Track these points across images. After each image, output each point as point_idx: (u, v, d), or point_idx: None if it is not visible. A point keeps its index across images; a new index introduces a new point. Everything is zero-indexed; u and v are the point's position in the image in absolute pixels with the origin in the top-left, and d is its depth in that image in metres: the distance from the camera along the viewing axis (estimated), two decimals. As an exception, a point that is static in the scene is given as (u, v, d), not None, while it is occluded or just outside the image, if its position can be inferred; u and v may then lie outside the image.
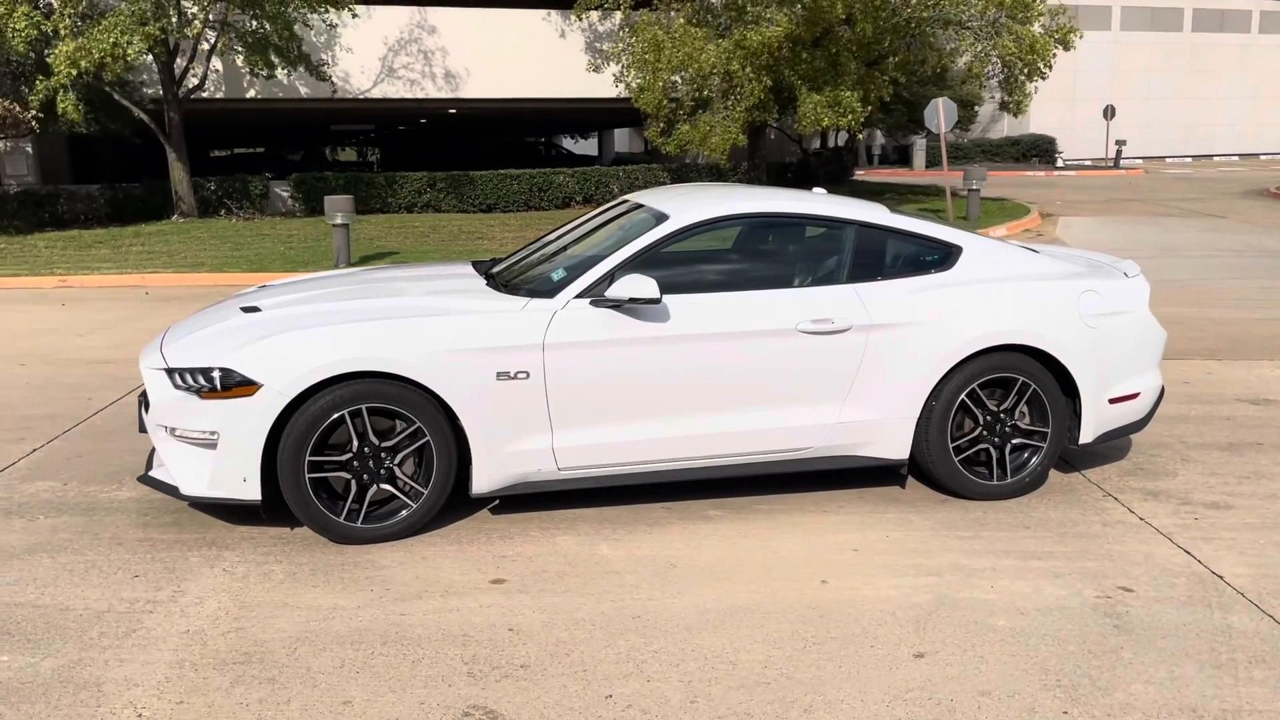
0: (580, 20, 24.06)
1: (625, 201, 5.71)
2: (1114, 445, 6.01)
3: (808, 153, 30.05)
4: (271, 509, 4.55)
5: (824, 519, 4.90)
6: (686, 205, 5.06)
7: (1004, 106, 23.85)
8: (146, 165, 28.50)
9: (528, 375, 4.57)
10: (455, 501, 4.90)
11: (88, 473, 5.56)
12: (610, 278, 4.72)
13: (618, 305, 4.66)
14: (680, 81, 20.23)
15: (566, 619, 3.88)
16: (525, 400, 4.59)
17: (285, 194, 22.86)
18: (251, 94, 23.03)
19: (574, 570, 4.31)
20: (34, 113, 18.37)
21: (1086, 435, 5.22)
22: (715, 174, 25.76)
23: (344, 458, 4.49)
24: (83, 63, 17.20)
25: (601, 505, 5.03)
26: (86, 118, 19.02)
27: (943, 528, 4.79)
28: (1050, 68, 22.01)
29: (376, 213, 22.86)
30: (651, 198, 5.52)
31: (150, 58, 19.68)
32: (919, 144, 43.57)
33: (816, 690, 3.41)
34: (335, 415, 4.41)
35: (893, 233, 5.16)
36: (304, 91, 23.33)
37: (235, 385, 4.38)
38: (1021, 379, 5.06)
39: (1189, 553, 4.52)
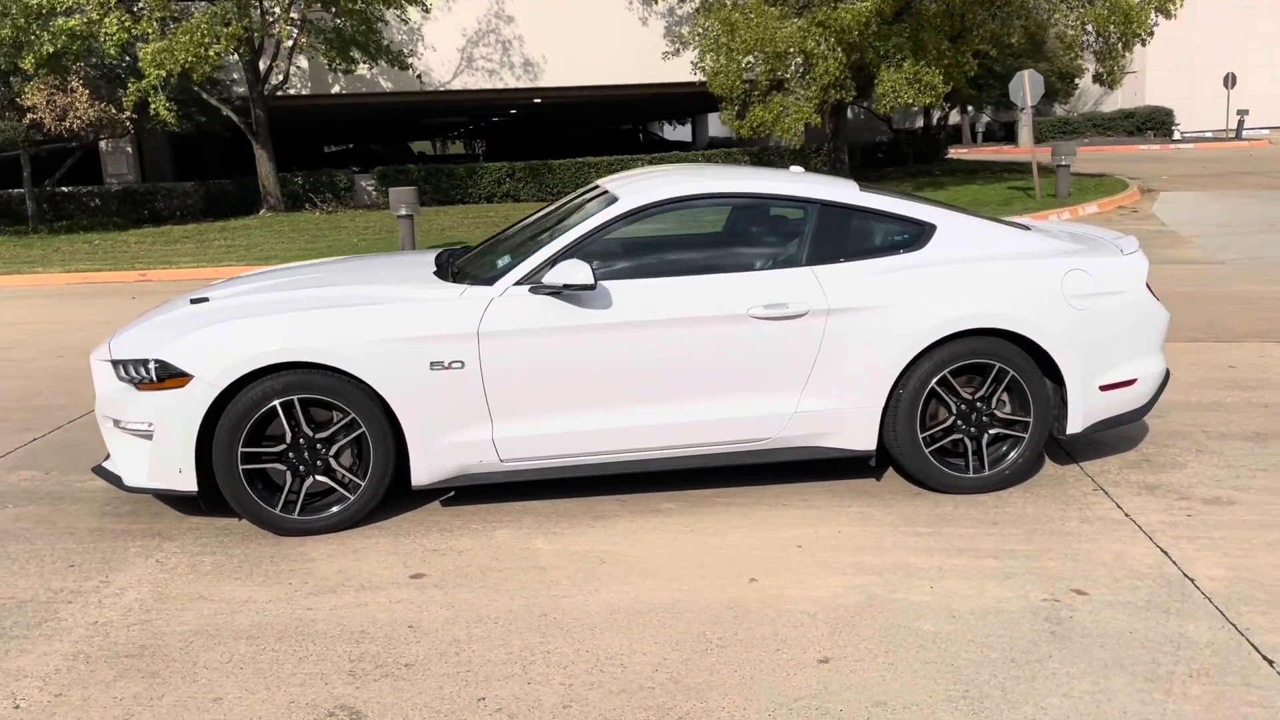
0: (658, 3, 23.89)
1: (595, 186, 5.56)
2: (1124, 435, 5.61)
3: (897, 132, 29.25)
4: (212, 500, 4.55)
5: (780, 513, 4.68)
6: (638, 188, 4.88)
7: (1098, 78, 22.78)
8: (239, 162, 29.44)
9: (463, 365, 4.47)
10: (411, 494, 4.84)
11: (72, 463, 5.69)
12: (551, 264, 4.58)
13: (556, 292, 4.52)
14: (754, 62, 19.88)
15: (471, 616, 3.77)
16: (462, 390, 4.49)
17: (370, 187, 23.31)
18: (336, 89, 23.53)
19: (500, 566, 4.20)
20: (128, 114, 19.10)
21: (1075, 425, 4.86)
22: (797, 156, 25.30)
23: (278, 449, 4.47)
24: (168, 65, 17.81)
25: (556, 498, 4.90)
26: (178, 117, 19.72)
27: (903, 523, 4.52)
28: (1150, 34, 20.92)
29: (456, 203, 23.15)
30: (615, 180, 5.35)
31: (235, 57, 20.26)
32: (1024, 119, 42.01)
33: (700, 697, 3.22)
34: (267, 406, 4.39)
35: (858, 212, 4.88)
36: (386, 85, 23.73)
37: (169, 377, 4.39)
38: (998, 365, 4.73)
39: (1166, 553, 4.16)
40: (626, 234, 4.83)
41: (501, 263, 4.81)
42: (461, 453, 4.55)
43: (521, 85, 24.51)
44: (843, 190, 4.93)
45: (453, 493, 5.00)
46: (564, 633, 3.63)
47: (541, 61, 24.26)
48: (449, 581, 4.06)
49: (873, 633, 3.58)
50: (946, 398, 4.77)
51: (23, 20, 17.49)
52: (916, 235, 4.88)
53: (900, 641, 3.52)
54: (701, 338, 4.59)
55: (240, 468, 4.42)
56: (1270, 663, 3.34)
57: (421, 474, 4.55)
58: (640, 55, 23.92)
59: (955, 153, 36.45)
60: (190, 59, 17.93)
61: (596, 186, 5.50)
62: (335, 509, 4.54)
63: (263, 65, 20.74)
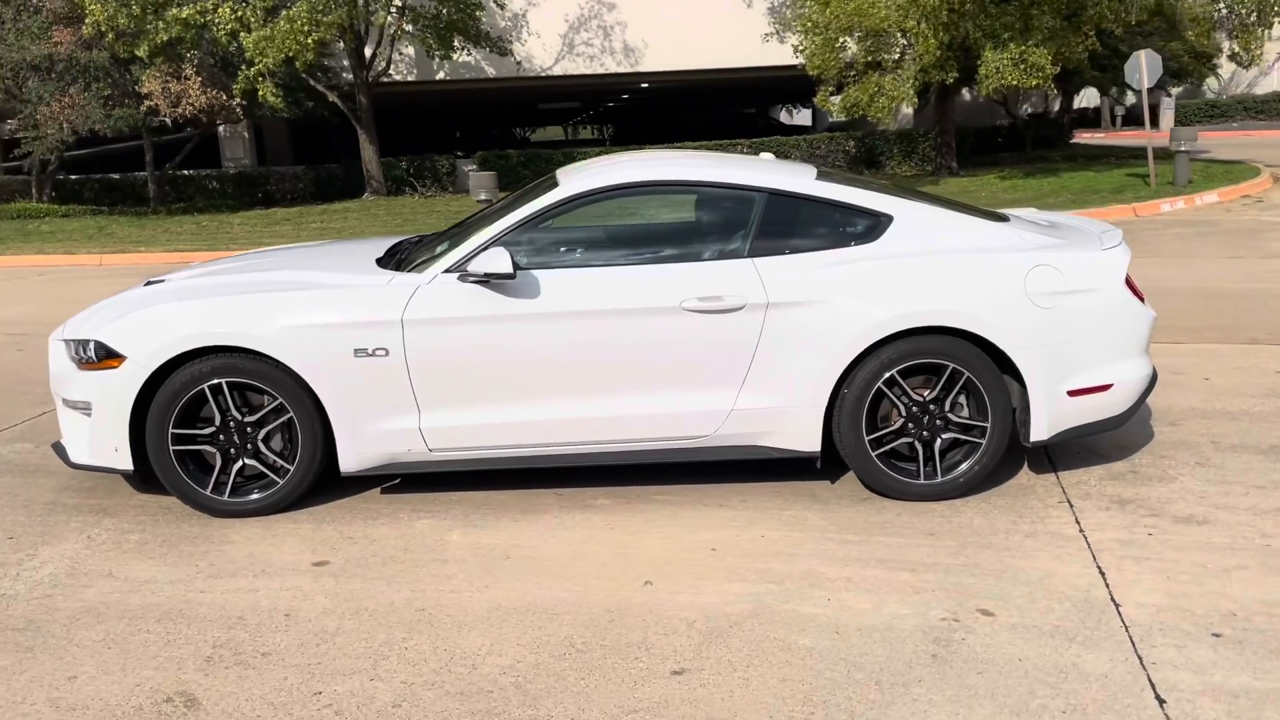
0: (759, -15, 23.49)
1: (550, 174, 5.46)
2: (1120, 442, 5.22)
3: (1015, 116, 28.08)
4: (148, 479, 4.65)
5: (712, 514, 4.51)
6: (581, 176, 4.76)
7: (1234, 58, 21.40)
8: (348, 147, 30.27)
9: (386, 352, 4.44)
10: (362, 479, 4.85)
11: (66, 437, 5.92)
12: (482, 251, 4.50)
13: (484, 281, 4.44)
14: (851, 41, 19.36)
15: (351, 607, 3.75)
16: (386, 378, 4.47)
17: (470, 172, 23.67)
18: (440, 75, 23.96)
19: (404, 557, 4.17)
20: (238, 100, 19.85)
21: (1038, 432, 4.53)
22: (905, 141, 24.58)
23: (208, 431, 4.53)
24: (270, 53, 18.42)
25: (494, 489, 4.84)
26: (286, 103, 20.41)
27: (835, 530, 4.30)
28: (1288, 10, 19.51)
29: (555, 188, 23.29)
30: (569, 169, 5.23)
31: (341, 45, 20.82)
32: (1166, 102, 39.77)
33: (535, 704, 3.12)
34: (196, 389, 4.46)
35: (808, 201, 4.64)
36: (490, 71, 24.03)
37: (106, 357, 4.50)
38: (952, 366, 4.45)
39: (1104, 574, 3.84)
40: (569, 222, 4.73)
41: (440, 249, 4.76)
42: (389, 441, 4.53)
43: (622, 70, 24.48)
44: (795, 179, 4.70)
45: (398, 479, 5.00)
46: (432, 629, 3.57)
47: (643, 46, 24.17)
48: (347, 570, 4.05)
49: (744, 645, 3.41)
50: (896, 399, 4.51)
51: (139, 10, 18.34)
52: (871, 227, 4.61)
53: (768, 656, 3.34)
54: (632, 330, 4.45)
55: (171, 448, 4.50)
56: (1162, 702, 3.04)
57: (349, 461, 4.55)
58: (742, 38, 23.56)
59: (1086, 137, 34.77)
60: (294, 47, 18.50)
61: (551, 175, 5.40)
62: (265, 493, 4.58)
63: (368, 52, 21.25)
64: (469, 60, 23.54)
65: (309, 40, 18.34)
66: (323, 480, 4.72)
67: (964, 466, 4.54)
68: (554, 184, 4.84)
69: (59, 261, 15.38)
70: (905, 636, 3.43)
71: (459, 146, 28.31)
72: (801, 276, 4.47)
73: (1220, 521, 4.26)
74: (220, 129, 24.66)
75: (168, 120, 19.68)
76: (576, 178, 4.71)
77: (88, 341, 4.56)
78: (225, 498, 4.57)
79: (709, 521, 4.42)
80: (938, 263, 4.49)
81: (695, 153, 5.44)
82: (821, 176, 4.80)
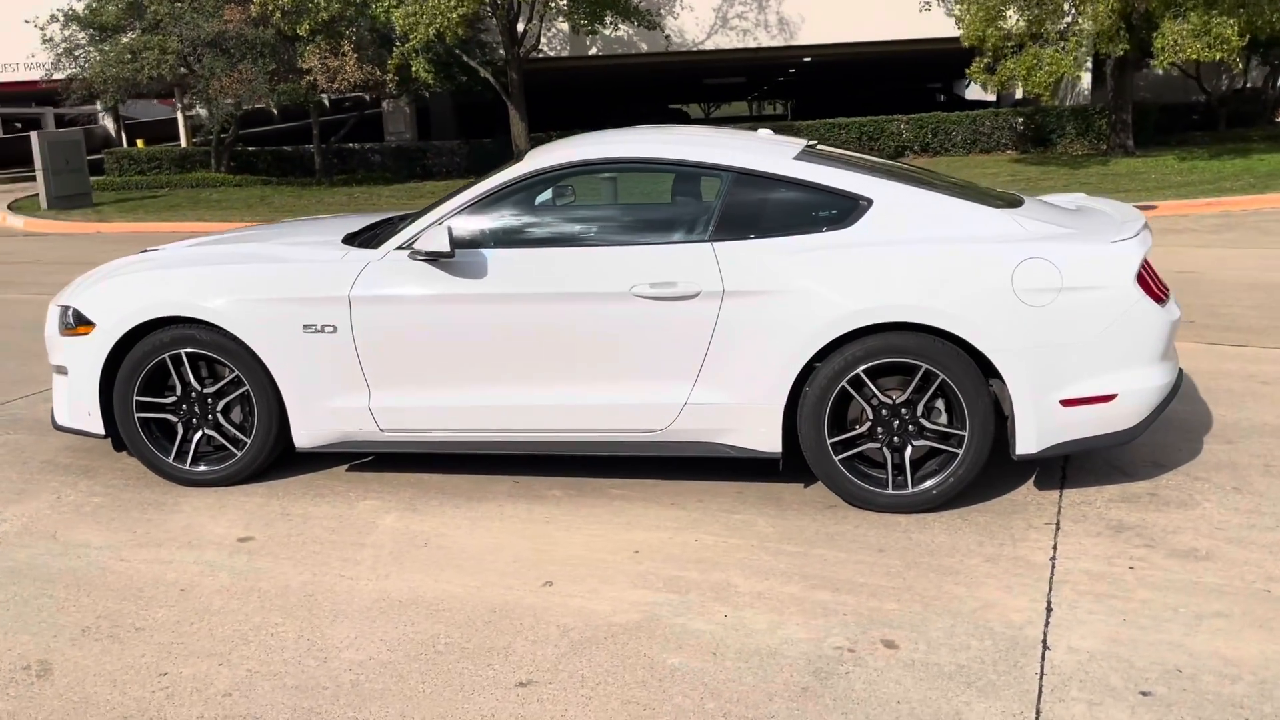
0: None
1: (522, 152, 5.25)
2: (1151, 458, 4.63)
3: (1209, 92, 25.85)
4: (122, 444, 4.75)
5: (658, 512, 4.25)
6: (544, 154, 4.54)
7: None
8: (505, 122, 30.70)
9: (335, 329, 4.38)
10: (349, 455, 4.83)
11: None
12: (431, 227, 4.36)
13: (433, 259, 4.31)
14: (1013, 11, 18.20)
15: (245, 587, 3.71)
16: (335, 355, 4.40)
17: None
18: (593, 51, 24.00)
19: (329, 538, 4.10)
20: (391, 75, 20.45)
21: (1026, 444, 4.05)
22: (1078, 118, 23.04)
23: (170, 400, 4.59)
24: (419, 29, 18.84)
25: (455, 473, 4.72)
26: (438, 78, 20.89)
27: (778, 539, 3.97)
28: None
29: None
30: (542, 147, 5.00)
31: (494, 20, 21.13)
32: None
33: (360, 706, 2.98)
34: (158, 359, 4.52)
35: (779, 182, 4.28)
36: (642, 47, 23.91)
37: (79, 324, 4.62)
38: (925, 367, 4.02)
39: (1051, 610, 3.38)
40: (532, 200, 4.53)
41: (402, 226, 4.66)
42: (341, 419, 4.47)
43: (776, 44, 23.87)
44: (768, 158, 4.34)
45: (370, 456, 4.95)
46: (309, 616, 3.48)
47: (798, 20, 23.49)
48: (266, 549, 4.01)
49: (608, 660, 3.16)
50: (863, 401, 4.12)
51: (301, -12, 19.11)
52: (845, 211, 4.22)
53: (626, 674, 3.08)
54: (581, 316, 4.23)
55: (136, 416, 4.59)
56: (1037, 769, 2.63)
57: (303, 437, 4.53)
58: (899, 9, 22.56)
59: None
60: (442, 22, 18.87)
61: (523, 151, 5.20)
62: (224, 464, 4.61)
63: (520, 28, 21.48)
64: (621, 35, 23.48)
65: (454, 15, 18.65)
66: (311, 454, 4.71)
67: (938, 478, 4.11)
68: (516, 161, 4.65)
69: (214, 228, 16.25)
70: (784, 665, 3.10)
71: (613, 122, 28.30)
72: (762, 263, 4.13)
73: (1224, 559, 3.70)
74: (384, 104, 25.53)
75: (325, 97, 20.46)
76: (540, 155, 4.51)
77: (68, 308, 4.70)
78: (186, 466, 4.62)
79: (649, 521, 4.17)
80: (912, 252, 4.07)
81: (682, 129, 5.12)
82: (803, 155, 4.42)
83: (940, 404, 4.12)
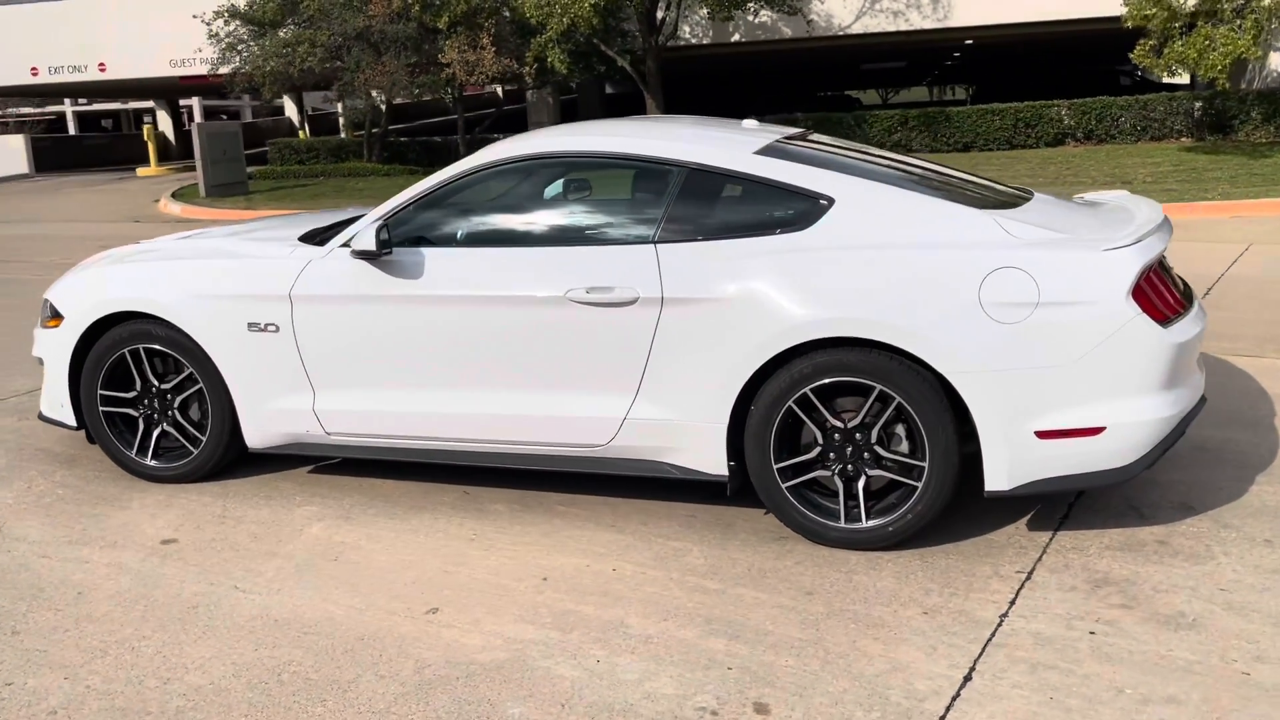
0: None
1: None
2: (1180, 500, 4.00)
3: None
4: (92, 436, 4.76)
5: (591, 534, 3.93)
6: (493, 149, 4.26)
7: None
8: (644, 111, 30.43)
9: (277, 328, 4.24)
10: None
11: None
12: (367, 226, 4.16)
13: (373, 257, 4.11)
14: (1182, -12, 16.72)
15: (138, 594, 3.60)
16: (279, 355, 4.27)
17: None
18: (736, 37, 23.51)
19: (250, 545, 3.96)
20: (529, 67, 20.57)
21: (996, 480, 3.54)
22: (1267, 102, 21.04)
23: (130, 395, 4.57)
24: (552, 21, 18.85)
25: (413, 480, 4.53)
26: (577, 69, 20.88)
27: (704, 573, 3.59)
28: None
29: (845, 153, 22.25)
30: (502, 140, 4.71)
31: (632, 8, 20.95)
32: None
33: (173, 734, 2.81)
34: (118, 353, 4.50)
35: (734, 179, 3.87)
36: (786, 32, 23.25)
37: (52, 316, 4.66)
38: (880, 387, 3.56)
39: (969, 680, 2.90)
40: (482, 196, 4.28)
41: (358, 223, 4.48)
42: (288, 420, 4.35)
43: (928, 26, 22.74)
44: (726, 152, 3.94)
45: (336, 459, 4.82)
46: (180, 630, 3.34)
47: (952, 0, 22.33)
48: (182, 553, 3.91)
49: (446, 704, 2.88)
50: (812, 423, 3.69)
51: (446, -18, 19.42)
52: (804, 212, 3.77)
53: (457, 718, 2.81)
54: (517, 321, 3.95)
55: (100, 409, 4.59)
56: None
57: (253, 438, 4.42)
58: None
59: None
60: (575, 14, 18.81)
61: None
62: (181, 461, 4.56)
63: (660, 15, 21.23)
64: (764, 21, 22.89)
65: (586, 5, 18.56)
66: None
67: (895, 514, 3.63)
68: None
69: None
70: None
71: (760, 109, 27.68)
72: (707, 268, 3.75)
73: (1213, 629, 3.11)
74: (528, 95, 25.76)
75: (450, 91, 20.77)
76: (486, 151, 4.24)
77: (47, 300, 4.75)
78: (147, 462, 4.59)
79: (578, 544, 3.86)
80: (867, 259, 3.60)
81: (650, 120, 4.75)
82: (769, 150, 3.98)
83: (901, 430, 3.64)
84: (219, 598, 3.55)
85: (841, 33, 23.10)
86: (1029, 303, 3.44)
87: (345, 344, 4.17)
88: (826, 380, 3.61)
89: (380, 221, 4.08)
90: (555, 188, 4.28)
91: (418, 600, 3.48)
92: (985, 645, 3.08)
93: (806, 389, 3.63)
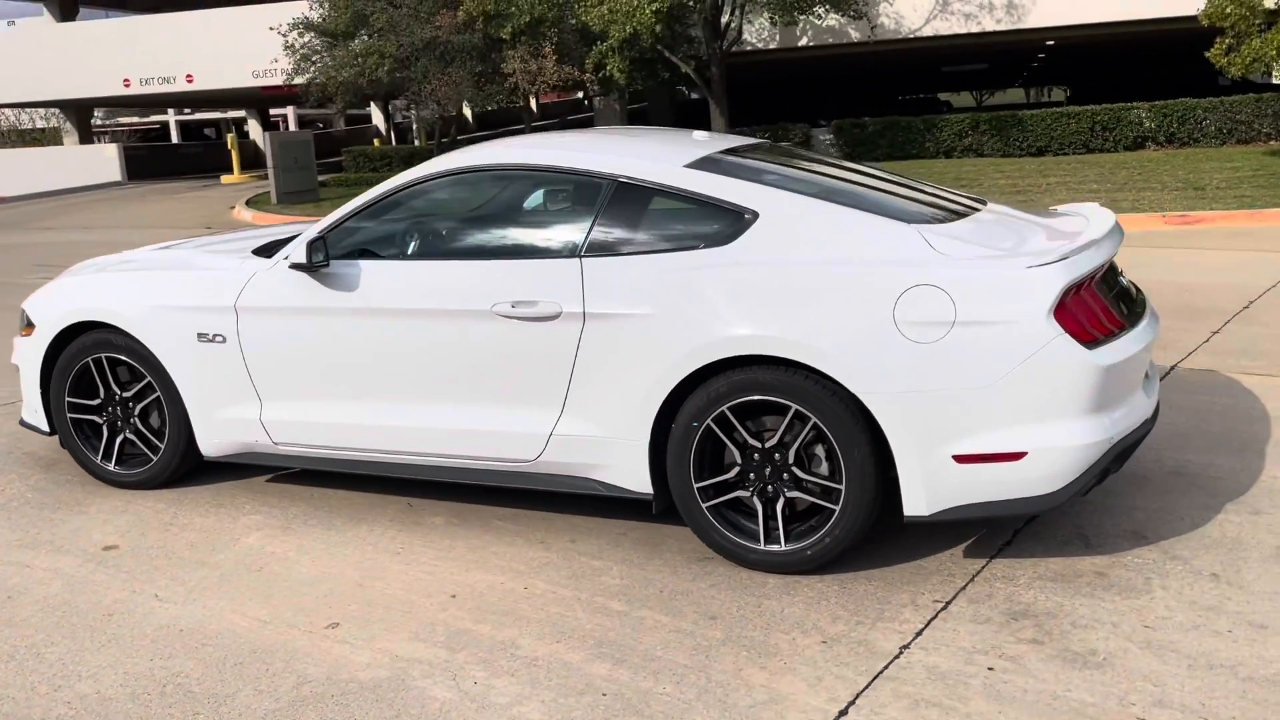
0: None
1: None
2: (1134, 529, 3.80)
3: None
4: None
5: (516, 550, 3.89)
6: (443, 158, 4.26)
7: None
8: (738, 118, 30.13)
9: (224, 339, 4.30)
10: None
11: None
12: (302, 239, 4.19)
13: (312, 269, 4.14)
14: (1262, -14, 16.01)
15: (62, 600, 3.67)
16: (226, 365, 4.33)
17: (827, 140, 22.86)
18: (803, 42, 23.27)
19: (184, 553, 4.01)
20: (589, 75, 20.66)
21: (914, 506, 3.40)
22: (1360, 103, 20.03)
23: (95, 402, 4.68)
24: (613, 29, 18.90)
25: (364, 491, 4.55)
26: (640, 76, 20.91)
27: (617, 594, 3.53)
28: None
29: (913, 158, 21.85)
30: (446, 154, 4.69)
31: (696, 15, 20.90)
32: None
33: (44, 742, 2.86)
34: (82, 361, 4.61)
35: (661, 192, 3.80)
36: (854, 36, 22.92)
37: (25, 325, 4.80)
38: (796, 407, 3.45)
39: (844, 715, 2.79)
40: (420, 209, 4.28)
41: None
42: (238, 430, 4.40)
43: (1002, 28, 22.17)
44: (657, 165, 3.86)
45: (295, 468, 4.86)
46: (88, 638, 3.39)
47: (1028, 1, 21.74)
48: (118, 560, 3.98)
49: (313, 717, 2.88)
50: (730, 442, 3.60)
51: (505, -9, 19.62)
52: (730, 226, 3.68)
53: (318, 741, 2.79)
54: (446, 334, 3.94)
55: (69, 416, 4.71)
56: None
57: (207, 446, 4.49)
58: (1139, -12, 20.44)
59: None
60: (638, 21, 18.83)
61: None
62: (142, 467, 4.65)
63: (724, 21, 21.13)
64: (832, 25, 22.60)
65: (647, 12, 18.56)
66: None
67: (814, 537, 3.52)
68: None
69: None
70: (483, 750, 2.71)
71: (830, 113, 27.27)
72: (629, 283, 3.69)
73: (1122, 669, 2.94)
74: (595, 103, 25.86)
75: (515, 100, 20.94)
76: (426, 164, 4.24)
77: (23, 310, 4.90)
78: (110, 468, 4.70)
79: (500, 559, 3.83)
80: (785, 275, 3.50)
81: (594, 133, 4.69)
82: (702, 162, 3.89)
83: (821, 452, 3.52)
84: (135, 606, 3.61)
85: (911, 35, 22.68)
86: (945, 322, 3.30)
87: (287, 355, 4.21)
88: (743, 399, 3.51)
89: (316, 235, 4.11)
90: (491, 199, 4.27)
91: (322, 614, 3.49)
92: (874, 678, 2.96)
93: (724, 407, 3.54)
